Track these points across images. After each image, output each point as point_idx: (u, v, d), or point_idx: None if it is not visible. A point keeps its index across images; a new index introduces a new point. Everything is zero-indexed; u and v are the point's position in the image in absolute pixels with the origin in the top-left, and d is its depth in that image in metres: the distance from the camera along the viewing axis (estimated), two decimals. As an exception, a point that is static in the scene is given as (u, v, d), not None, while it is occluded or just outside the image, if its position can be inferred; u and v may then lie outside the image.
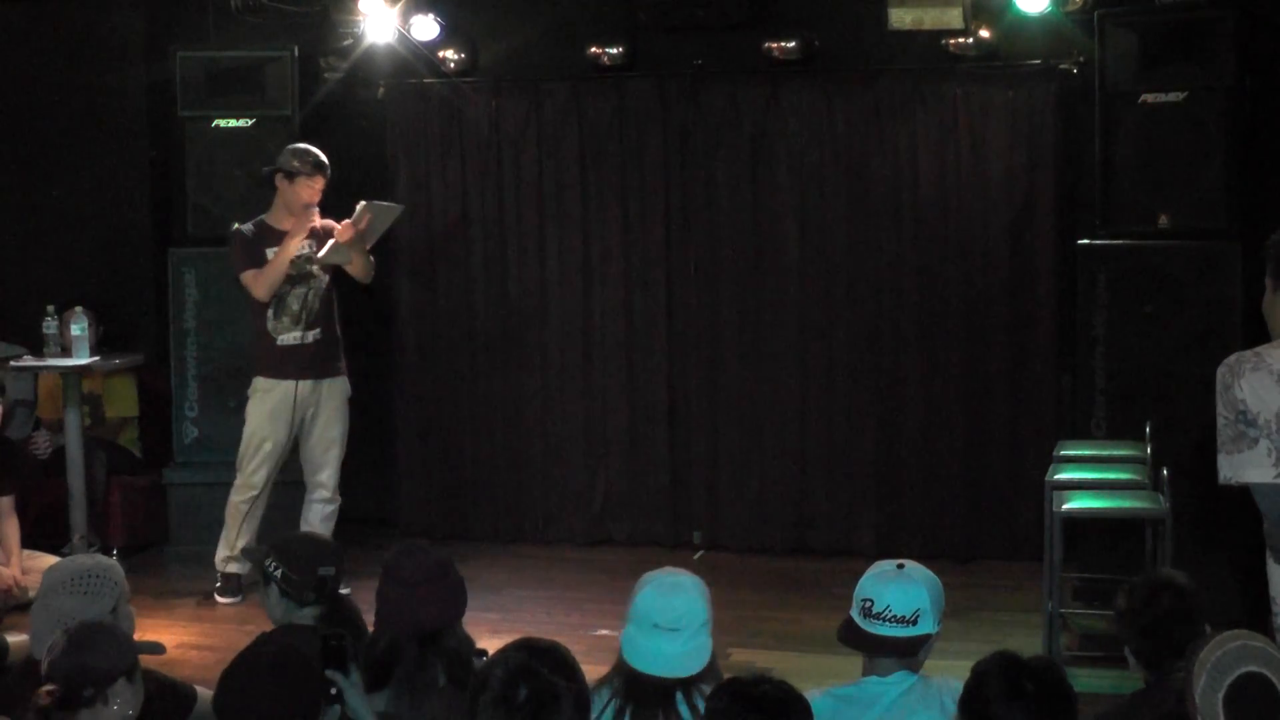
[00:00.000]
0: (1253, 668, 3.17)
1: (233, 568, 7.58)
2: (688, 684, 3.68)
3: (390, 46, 8.35)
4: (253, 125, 8.33)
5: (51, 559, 6.53)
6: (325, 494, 7.58)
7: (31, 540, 7.46)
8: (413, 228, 8.67)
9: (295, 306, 7.44)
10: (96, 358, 7.93)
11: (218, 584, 7.59)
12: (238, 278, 7.48)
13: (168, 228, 8.64)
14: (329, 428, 7.55)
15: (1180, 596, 4.18)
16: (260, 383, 7.50)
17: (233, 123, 8.33)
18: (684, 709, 3.66)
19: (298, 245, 7.39)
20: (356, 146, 8.78)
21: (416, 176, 8.69)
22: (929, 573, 3.92)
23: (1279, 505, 4.13)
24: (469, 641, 4.00)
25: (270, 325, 7.44)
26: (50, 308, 7.91)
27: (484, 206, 8.62)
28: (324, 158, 7.44)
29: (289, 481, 7.71)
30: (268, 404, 7.45)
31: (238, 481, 7.56)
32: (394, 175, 8.71)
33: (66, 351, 7.83)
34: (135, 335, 8.60)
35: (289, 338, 7.45)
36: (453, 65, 8.51)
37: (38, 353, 7.90)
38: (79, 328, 7.83)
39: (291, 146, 7.54)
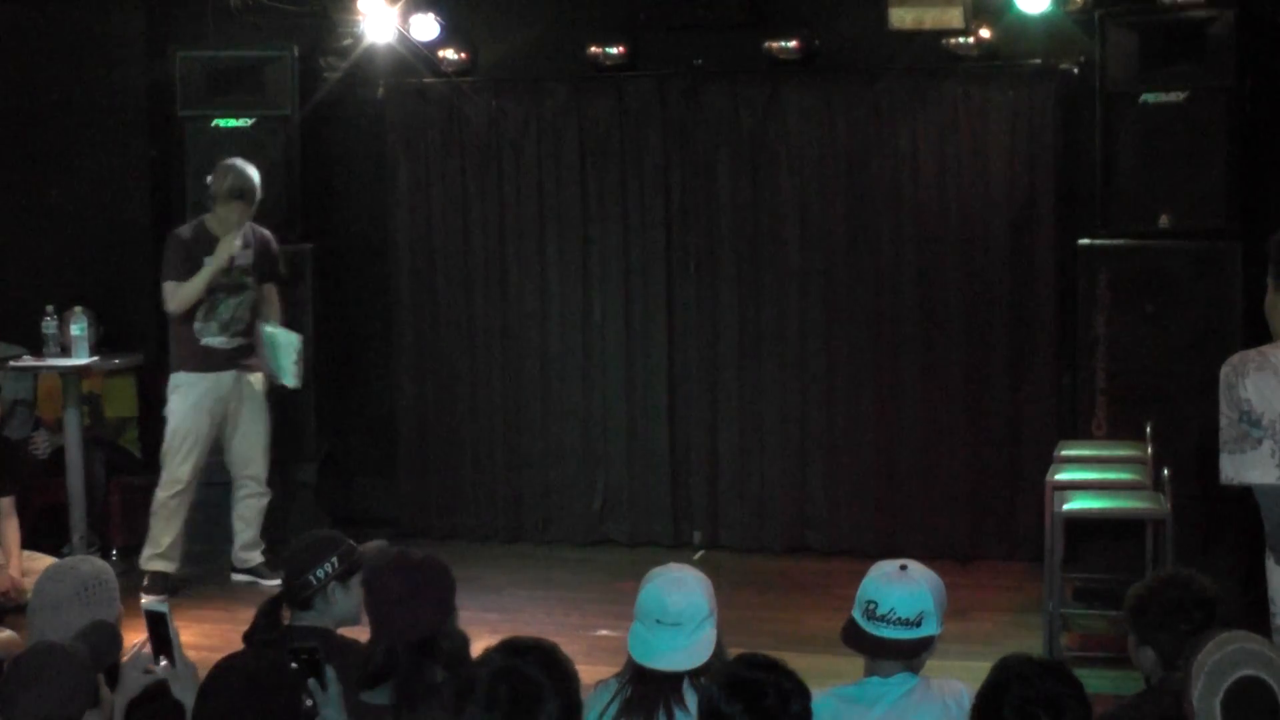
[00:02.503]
0: (1250, 672, 3.15)
1: (158, 565, 7.55)
2: (693, 675, 3.74)
3: (390, 46, 8.34)
4: (253, 125, 8.33)
5: (51, 561, 6.50)
6: (257, 487, 7.71)
7: (32, 541, 7.45)
8: (413, 227, 8.67)
9: (226, 316, 7.57)
10: (96, 358, 7.92)
11: (144, 583, 7.48)
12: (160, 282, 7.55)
13: (168, 228, 8.59)
14: (254, 422, 7.66)
15: (1194, 591, 4.15)
16: (181, 378, 7.57)
17: (233, 123, 8.33)
18: (690, 699, 3.69)
19: (215, 270, 7.43)
20: (356, 146, 8.81)
21: (416, 176, 8.68)
22: (932, 574, 3.91)
23: (1281, 506, 4.13)
24: (464, 637, 3.99)
25: (197, 327, 7.54)
26: (50, 308, 7.90)
27: (484, 206, 8.61)
28: (246, 183, 7.43)
29: (212, 483, 7.78)
30: (190, 398, 7.54)
31: (164, 478, 7.59)
32: (394, 175, 8.71)
33: (66, 351, 7.83)
34: (135, 335, 8.59)
35: (213, 341, 7.56)
36: (453, 65, 8.50)
37: (37, 353, 7.90)
38: (78, 328, 7.82)
39: (220, 165, 7.53)
